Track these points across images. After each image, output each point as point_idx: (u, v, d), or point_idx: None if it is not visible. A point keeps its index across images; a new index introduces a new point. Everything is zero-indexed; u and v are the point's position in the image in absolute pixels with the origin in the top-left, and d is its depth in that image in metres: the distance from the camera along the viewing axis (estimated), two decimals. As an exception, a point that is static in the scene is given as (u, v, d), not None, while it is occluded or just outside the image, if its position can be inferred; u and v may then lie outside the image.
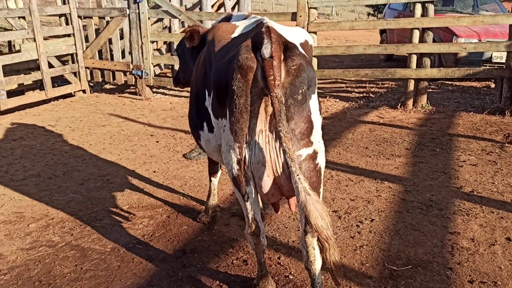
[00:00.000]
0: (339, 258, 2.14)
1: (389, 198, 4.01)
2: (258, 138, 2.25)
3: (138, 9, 8.14)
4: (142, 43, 8.29)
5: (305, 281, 2.85)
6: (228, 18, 3.16)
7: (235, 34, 2.56)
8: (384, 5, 24.56)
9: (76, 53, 8.66)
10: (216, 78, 2.39)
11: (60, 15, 8.61)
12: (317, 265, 2.28)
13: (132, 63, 8.50)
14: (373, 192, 4.15)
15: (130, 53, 8.59)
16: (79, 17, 8.70)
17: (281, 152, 2.21)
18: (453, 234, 3.38)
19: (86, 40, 9.11)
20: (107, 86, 9.62)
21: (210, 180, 3.62)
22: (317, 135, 2.31)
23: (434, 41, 7.22)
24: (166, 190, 4.31)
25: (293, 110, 2.20)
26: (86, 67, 8.84)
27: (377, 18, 24.92)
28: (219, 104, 2.41)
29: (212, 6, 10.80)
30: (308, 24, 7.26)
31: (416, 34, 7.00)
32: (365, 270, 2.96)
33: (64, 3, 8.54)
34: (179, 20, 9.68)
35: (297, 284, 2.82)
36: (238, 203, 3.98)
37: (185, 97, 8.52)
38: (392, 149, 5.34)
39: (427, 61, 7.05)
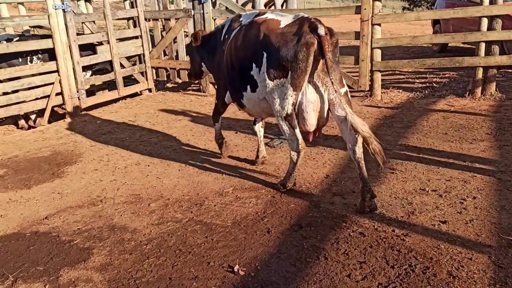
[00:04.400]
0: (379, 145, 3.43)
1: (485, 178, 4.10)
2: (308, 87, 3.61)
3: (203, 9, 8.46)
4: (206, 41, 8.59)
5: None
6: (239, 16, 4.43)
7: (282, 25, 3.72)
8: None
9: (143, 54, 9.07)
10: (283, 53, 3.56)
11: (129, 18, 9.04)
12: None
13: (197, 62, 8.81)
14: (467, 173, 4.24)
15: (195, 51, 8.90)
16: (145, 19, 9.10)
17: (325, 93, 3.61)
18: (560, 208, 3.45)
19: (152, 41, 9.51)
20: (169, 85, 10.00)
21: (215, 125, 5.04)
22: (344, 80, 3.77)
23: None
24: (261, 174, 4.54)
25: (335, 66, 3.54)
26: (152, 67, 9.24)
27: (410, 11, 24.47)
28: (280, 69, 3.61)
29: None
30: (372, 16, 7.36)
31: (485, 22, 6.99)
32: (482, 240, 3.08)
33: (132, 7, 8.96)
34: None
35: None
36: (336, 184, 4.17)
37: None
38: (472, 134, 5.39)
39: (496, 48, 7.04)
